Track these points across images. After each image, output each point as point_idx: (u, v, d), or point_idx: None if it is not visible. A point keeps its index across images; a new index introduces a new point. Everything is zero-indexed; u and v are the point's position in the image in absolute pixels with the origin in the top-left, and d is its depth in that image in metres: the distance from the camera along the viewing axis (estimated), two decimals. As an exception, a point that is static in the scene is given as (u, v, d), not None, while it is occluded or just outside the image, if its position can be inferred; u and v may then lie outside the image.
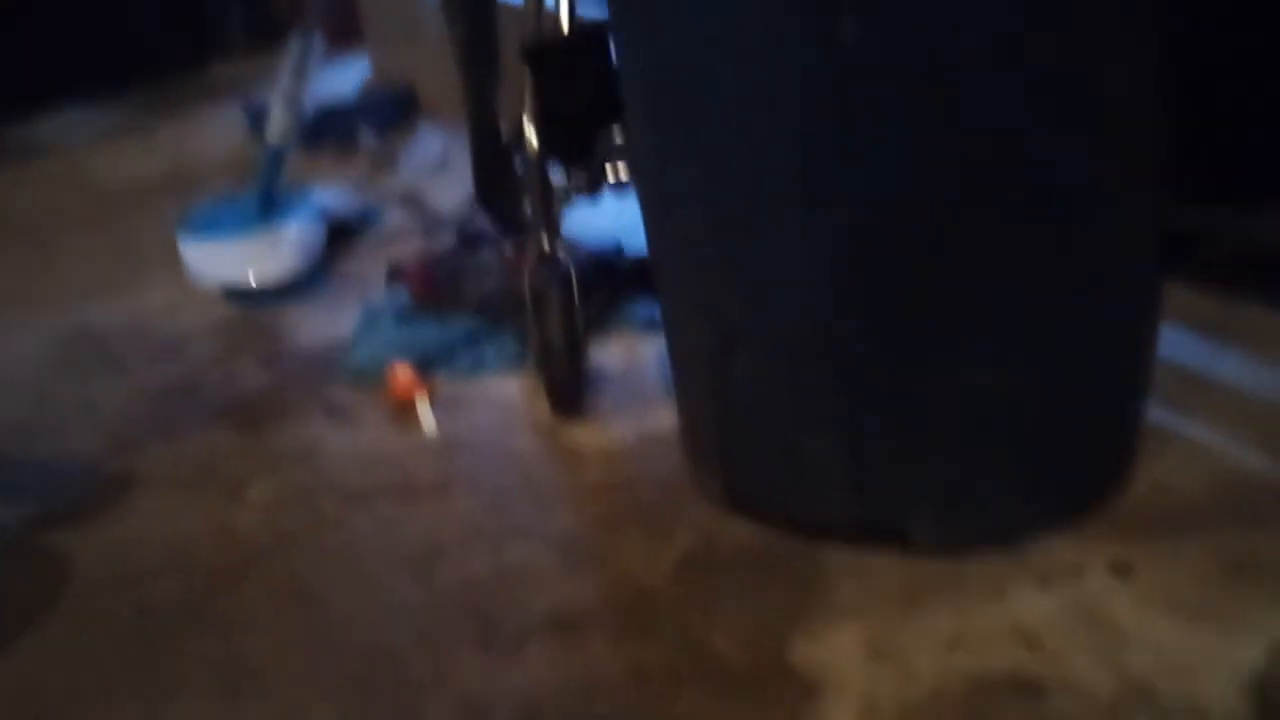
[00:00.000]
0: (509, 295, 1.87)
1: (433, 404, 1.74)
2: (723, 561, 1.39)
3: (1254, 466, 1.40)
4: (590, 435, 1.65)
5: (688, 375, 1.47)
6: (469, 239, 2.12)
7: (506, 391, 1.77)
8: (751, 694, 1.21)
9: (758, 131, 1.21)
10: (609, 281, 1.90)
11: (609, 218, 2.05)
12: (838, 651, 1.23)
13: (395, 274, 2.05)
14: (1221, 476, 1.39)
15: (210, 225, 2.28)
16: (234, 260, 2.18)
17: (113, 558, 1.52)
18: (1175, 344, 1.55)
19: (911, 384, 1.27)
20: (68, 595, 1.47)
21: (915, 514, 1.32)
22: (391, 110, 2.84)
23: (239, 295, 2.13)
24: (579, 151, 1.71)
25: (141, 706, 1.31)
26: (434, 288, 1.96)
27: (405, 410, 1.74)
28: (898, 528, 1.33)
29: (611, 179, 1.72)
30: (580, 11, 1.62)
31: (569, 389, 1.68)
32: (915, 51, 1.14)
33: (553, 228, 1.72)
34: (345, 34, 3.15)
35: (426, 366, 1.82)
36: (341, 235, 2.27)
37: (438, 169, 2.56)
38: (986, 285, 1.23)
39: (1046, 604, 1.25)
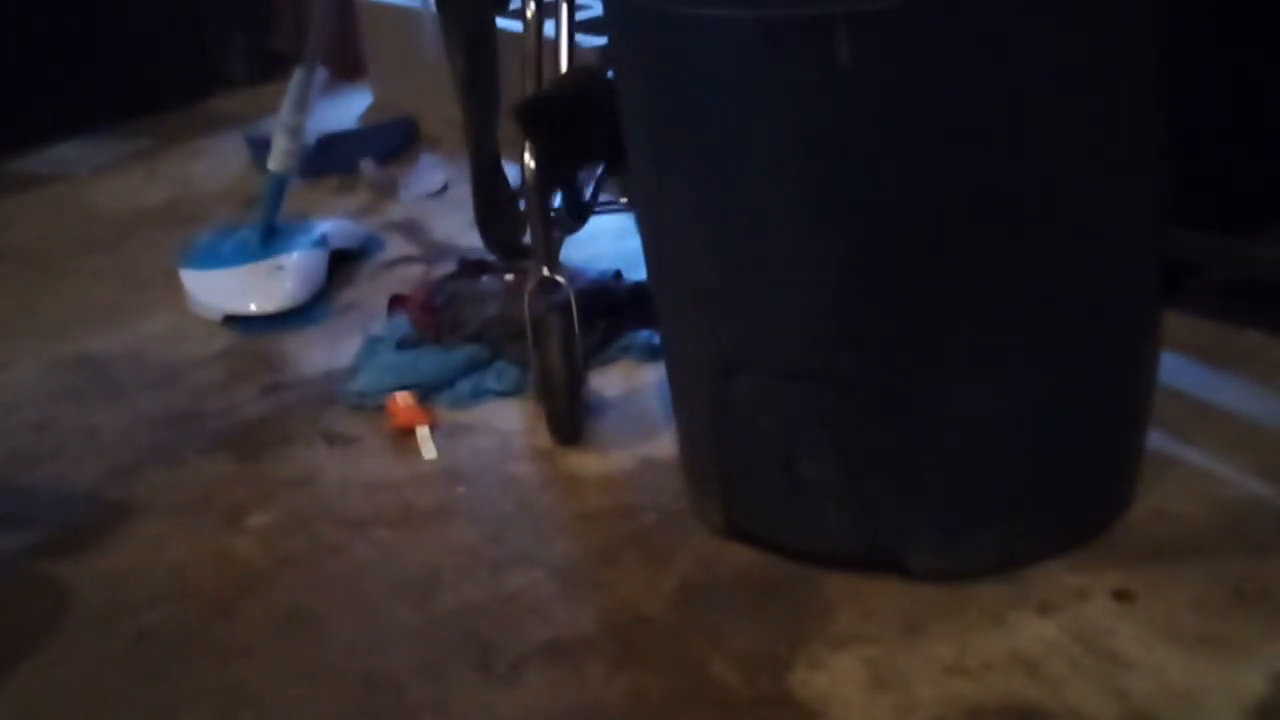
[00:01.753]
0: (509, 323, 1.87)
1: (433, 431, 1.74)
2: (723, 588, 1.38)
3: (1255, 493, 1.40)
4: (590, 462, 1.64)
5: (687, 401, 1.47)
6: (469, 267, 2.13)
7: (506, 419, 1.77)
8: (752, 721, 1.20)
9: (756, 155, 1.22)
10: (609, 309, 1.90)
11: (609, 246, 2.06)
12: (838, 678, 1.23)
13: (396, 302, 2.05)
14: (1223, 503, 1.39)
15: (211, 255, 2.29)
16: (235, 289, 2.18)
17: (111, 585, 1.52)
18: (1175, 370, 1.55)
19: (910, 410, 1.27)
20: (66, 622, 1.47)
21: (915, 540, 1.32)
22: (393, 140, 2.84)
23: (240, 323, 2.13)
24: (577, 184, 1.72)
25: (139, 734, 1.30)
26: (434, 316, 1.96)
27: (405, 437, 1.74)
28: (897, 554, 1.32)
29: (611, 203, 1.73)
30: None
31: (569, 416, 1.68)
32: (910, 74, 1.15)
33: (553, 255, 1.73)
34: (347, 65, 3.16)
35: (427, 394, 1.81)
36: (343, 264, 2.28)
37: (438, 198, 2.57)
38: (986, 310, 1.24)
39: (1047, 631, 1.25)
